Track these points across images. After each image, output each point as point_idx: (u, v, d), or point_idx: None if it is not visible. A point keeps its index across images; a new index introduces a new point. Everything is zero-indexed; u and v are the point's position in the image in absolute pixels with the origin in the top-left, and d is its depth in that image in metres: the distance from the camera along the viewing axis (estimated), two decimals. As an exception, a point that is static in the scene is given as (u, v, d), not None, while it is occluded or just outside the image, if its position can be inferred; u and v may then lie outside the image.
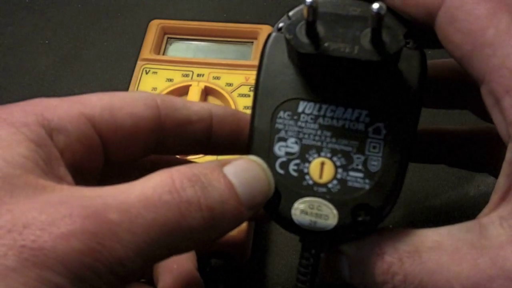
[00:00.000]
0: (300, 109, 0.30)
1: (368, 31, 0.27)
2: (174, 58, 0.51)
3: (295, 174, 0.29)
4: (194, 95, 0.47)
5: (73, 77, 0.55)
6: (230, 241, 0.41)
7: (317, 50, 0.28)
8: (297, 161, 0.29)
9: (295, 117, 0.30)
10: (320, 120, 0.30)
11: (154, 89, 0.49)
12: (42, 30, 0.60)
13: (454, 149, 0.39)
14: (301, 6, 0.30)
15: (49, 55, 0.58)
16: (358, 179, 0.29)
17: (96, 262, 0.23)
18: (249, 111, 0.42)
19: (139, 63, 0.51)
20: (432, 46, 0.30)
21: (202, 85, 0.48)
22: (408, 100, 0.29)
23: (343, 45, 0.27)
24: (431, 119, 0.48)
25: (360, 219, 0.29)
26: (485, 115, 0.35)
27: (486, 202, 0.44)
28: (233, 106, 0.47)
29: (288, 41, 0.28)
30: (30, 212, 0.23)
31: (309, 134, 0.29)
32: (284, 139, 0.30)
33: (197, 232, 0.25)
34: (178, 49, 0.53)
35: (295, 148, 0.29)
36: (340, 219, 0.28)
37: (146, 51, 0.51)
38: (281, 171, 0.29)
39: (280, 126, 0.30)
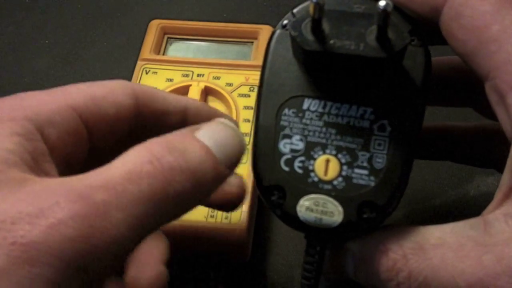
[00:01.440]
0: (305, 106, 0.30)
1: (373, 28, 0.28)
2: (174, 58, 0.51)
3: (300, 171, 0.29)
4: (194, 95, 0.47)
5: (73, 77, 0.55)
6: (230, 240, 0.41)
7: (323, 47, 0.28)
8: (302, 158, 0.29)
9: (300, 114, 0.30)
10: (325, 117, 0.30)
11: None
12: (42, 30, 0.60)
13: (459, 145, 0.40)
14: (306, 4, 0.31)
15: (49, 55, 0.58)
16: (363, 176, 0.29)
17: (92, 247, 0.22)
18: (249, 112, 0.46)
19: (139, 63, 0.50)
20: (436, 43, 0.31)
21: (202, 85, 0.48)
22: (412, 97, 0.29)
23: (349, 42, 0.28)
24: (434, 116, 0.48)
25: (365, 216, 0.29)
26: (488, 113, 0.36)
27: (486, 202, 0.44)
28: (233, 106, 0.47)
29: (293, 38, 0.29)
30: (16, 206, 0.22)
31: (314, 131, 0.30)
32: (289, 136, 0.30)
33: (184, 196, 0.25)
34: (178, 49, 0.53)
35: (300, 145, 0.30)
36: (345, 216, 0.29)
37: (146, 51, 0.51)
38: (286, 168, 0.29)
39: (285, 123, 0.30)
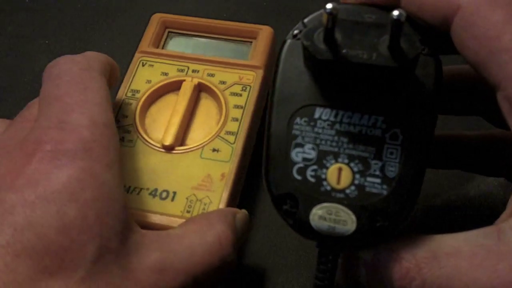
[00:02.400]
0: (316, 115, 0.30)
1: (385, 38, 0.28)
2: (172, 53, 0.52)
3: (312, 180, 0.30)
4: (186, 90, 0.48)
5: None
6: None
7: (336, 57, 0.28)
8: (315, 167, 0.30)
9: (312, 123, 0.30)
10: (337, 126, 0.30)
11: (149, 81, 0.49)
12: (42, 30, 0.60)
13: (469, 154, 0.40)
14: (318, 13, 0.31)
15: (49, 55, 0.58)
16: (376, 185, 0.29)
17: None
18: (238, 110, 0.47)
19: (137, 55, 0.51)
20: (447, 52, 0.31)
21: (195, 81, 0.49)
22: (424, 106, 0.30)
23: (361, 52, 0.28)
24: (443, 125, 0.48)
25: (378, 224, 0.29)
26: (498, 122, 0.38)
27: (486, 202, 0.46)
28: (223, 104, 0.47)
29: (305, 48, 0.29)
30: None
31: (326, 140, 0.30)
32: (301, 145, 0.30)
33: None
34: (177, 44, 0.53)
35: (312, 154, 0.30)
36: (358, 224, 0.29)
37: (145, 44, 0.52)
38: (299, 177, 0.30)
39: (297, 132, 0.30)
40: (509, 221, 0.27)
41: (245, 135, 0.46)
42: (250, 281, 0.45)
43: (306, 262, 0.45)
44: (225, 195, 0.43)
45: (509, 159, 0.38)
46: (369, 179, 0.29)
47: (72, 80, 0.36)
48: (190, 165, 0.44)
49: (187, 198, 0.43)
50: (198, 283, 0.33)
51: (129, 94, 0.49)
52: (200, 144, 0.46)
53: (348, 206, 0.29)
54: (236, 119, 0.47)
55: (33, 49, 0.59)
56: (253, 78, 0.49)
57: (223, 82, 0.49)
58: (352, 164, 0.29)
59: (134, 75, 0.50)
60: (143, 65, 0.51)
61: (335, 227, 0.29)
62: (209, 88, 0.49)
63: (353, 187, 0.29)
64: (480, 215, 0.49)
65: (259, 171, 0.49)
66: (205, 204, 0.42)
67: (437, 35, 0.30)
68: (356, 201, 0.29)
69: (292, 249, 0.46)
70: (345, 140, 0.30)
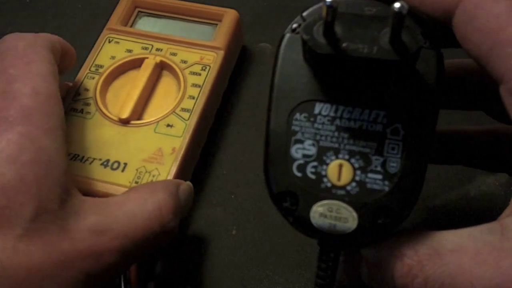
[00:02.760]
0: (316, 111, 0.30)
1: (386, 31, 0.27)
2: (138, 31, 0.53)
3: (312, 176, 0.29)
4: (147, 67, 0.49)
5: (73, 78, 0.55)
6: None
7: (336, 51, 0.27)
8: (315, 163, 0.29)
9: (312, 119, 0.29)
10: (337, 121, 0.29)
11: (113, 57, 0.51)
12: (42, 30, 0.60)
13: (471, 149, 0.39)
14: (316, 7, 0.30)
15: (48, 55, 0.59)
16: (377, 181, 0.29)
17: None
18: (196, 89, 0.48)
19: (104, 32, 0.53)
20: (449, 46, 0.31)
21: (158, 58, 0.50)
22: (426, 100, 0.29)
23: (362, 46, 0.27)
24: (445, 120, 0.47)
25: (379, 221, 0.28)
26: (500, 116, 0.37)
27: (487, 202, 0.47)
28: (182, 82, 0.49)
29: (305, 42, 0.28)
30: None
31: (326, 136, 0.29)
32: (301, 141, 0.29)
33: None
34: (146, 24, 0.55)
35: (312, 150, 0.29)
36: (359, 222, 0.28)
37: (113, 21, 0.53)
38: (299, 174, 0.29)
39: (296, 128, 0.30)
40: None
41: (200, 113, 0.47)
42: (250, 281, 0.44)
43: (307, 263, 0.45)
44: (174, 168, 0.44)
45: (511, 153, 0.37)
46: (370, 175, 0.29)
47: (17, 53, 0.37)
48: (143, 139, 0.46)
49: (137, 170, 0.44)
50: (138, 247, 0.34)
51: (93, 69, 0.50)
52: (155, 119, 0.47)
53: (349, 203, 0.28)
54: (193, 97, 0.48)
55: (34, 49, 0.60)
56: (214, 58, 0.50)
57: (184, 61, 0.50)
58: (352, 160, 0.29)
59: (99, 51, 0.51)
60: (109, 42, 0.52)
61: (336, 225, 0.28)
62: (170, 66, 0.50)
63: (354, 184, 0.28)
64: (481, 215, 0.47)
65: (216, 151, 0.51)
66: (153, 176, 0.44)
67: (439, 28, 0.29)
68: (357, 198, 0.28)
69: (293, 250, 0.45)
70: (345, 135, 0.29)
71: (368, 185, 0.28)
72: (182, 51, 0.51)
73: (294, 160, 0.29)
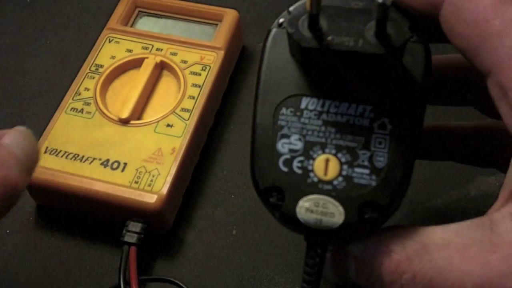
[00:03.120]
0: (303, 105, 0.29)
1: (372, 24, 0.27)
2: (139, 31, 0.53)
3: (299, 171, 0.29)
4: (147, 67, 0.50)
5: (73, 77, 0.55)
6: (148, 208, 0.43)
7: (321, 44, 0.27)
8: (301, 158, 0.29)
9: (298, 114, 0.29)
10: (324, 116, 0.29)
11: (113, 57, 0.51)
12: (42, 30, 0.61)
13: (460, 145, 0.39)
14: (303, 1, 0.30)
15: (49, 55, 0.59)
16: (364, 176, 0.28)
17: None
18: (196, 89, 0.48)
19: (104, 31, 0.53)
20: (437, 41, 0.30)
21: (158, 59, 0.50)
22: (413, 95, 0.29)
23: (347, 39, 0.27)
24: (434, 115, 0.48)
25: (366, 216, 0.28)
26: (489, 111, 0.36)
27: (487, 202, 0.43)
28: (182, 82, 0.49)
29: (290, 36, 0.28)
30: None
31: (312, 131, 0.29)
32: (287, 136, 0.29)
33: None
34: (146, 23, 0.55)
35: (299, 145, 0.29)
36: (346, 216, 0.28)
37: (114, 21, 0.54)
38: (285, 169, 0.29)
39: (282, 123, 0.29)
40: (502, 211, 0.27)
41: (200, 113, 0.47)
42: (250, 281, 0.44)
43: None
44: (173, 168, 0.44)
45: (501, 149, 0.36)
46: (357, 169, 0.28)
47: None
48: (143, 139, 0.46)
49: (136, 170, 0.44)
50: None
51: (93, 69, 0.50)
52: (155, 119, 0.47)
53: (336, 197, 0.28)
54: (193, 97, 0.48)
55: (33, 49, 0.60)
56: (214, 58, 0.51)
57: (185, 61, 0.50)
58: (339, 155, 0.28)
59: (99, 51, 0.52)
60: (109, 42, 0.52)
61: (322, 220, 0.28)
62: (170, 66, 0.50)
63: (340, 178, 0.28)
64: (481, 215, 0.46)
65: (216, 151, 0.51)
66: (153, 176, 0.44)
67: (426, 21, 0.29)
68: (344, 193, 0.28)
69: (293, 250, 0.45)
70: (332, 130, 0.29)
71: (355, 180, 0.28)
72: (182, 51, 0.51)
73: (280, 155, 0.29)
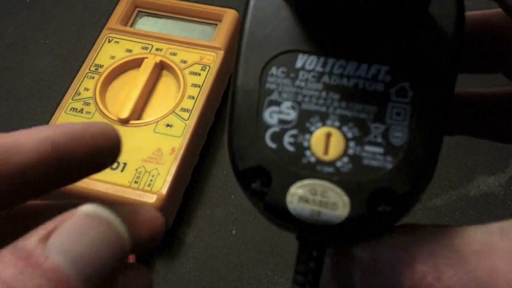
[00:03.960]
0: (298, 64, 0.23)
1: None
2: (138, 31, 0.53)
3: (291, 148, 0.22)
4: (147, 67, 0.50)
5: (73, 77, 0.56)
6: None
7: None
8: (294, 131, 0.22)
9: (292, 75, 0.23)
10: (326, 78, 0.23)
11: (113, 57, 0.51)
12: (42, 30, 0.61)
13: (484, 116, 0.32)
14: None
15: (49, 55, 0.59)
16: (377, 156, 0.22)
17: None
18: (195, 89, 0.48)
19: (104, 31, 0.53)
20: None
21: (157, 58, 0.50)
22: (442, 52, 0.23)
23: None
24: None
25: (379, 209, 0.21)
26: None
27: (487, 202, 0.46)
28: (182, 82, 0.49)
29: None
30: None
31: (310, 97, 0.23)
32: (277, 103, 0.23)
33: None
34: (146, 23, 0.55)
35: (292, 115, 0.23)
36: (352, 209, 0.21)
37: (113, 21, 0.54)
38: (273, 145, 0.22)
39: (272, 86, 0.23)
40: None
41: (199, 113, 0.47)
42: (250, 281, 0.44)
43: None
44: (173, 168, 0.44)
45: None
46: (367, 148, 0.22)
47: None
48: (143, 138, 0.46)
49: (136, 170, 0.44)
50: None
51: (93, 69, 0.50)
52: (155, 119, 0.47)
53: (339, 183, 0.21)
54: (192, 97, 0.48)
55: (33, 49, 0.60)
56: (213, 58, 0.51)
57: (184, 61, 0.51)
58: (345, 128, 0.22)
59: (99, 51, 0.52)
60: (109, 42, 0.53)
61: (321, 212, 0.21)
62: (170, 66, 0.51)
63: (346, 159, 0.22)
64: (481, 215, 0.47)
65: (216, 151, 0.50)
66: (153, 176, 0.44)
67: None
68: (350, 177, 0.22)
69: (293, 250, 0.44)
70: (336, 97, 0.22)
71: (365, 161, 0.22)
72: (182, 51, 0.51)
73: (268, 126, 0.22)
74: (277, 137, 0.22)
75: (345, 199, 0.21)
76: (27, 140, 0.24)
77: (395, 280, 0.21)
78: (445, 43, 0.23)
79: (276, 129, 0.22)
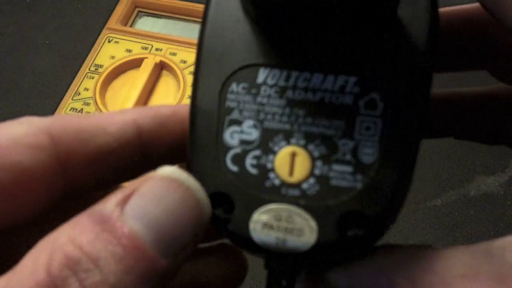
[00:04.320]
0: (260, 79, 0.21)
1: None
2: (138, 31, 0.54)
3: (254, 171, 0.21)
4: (147, 67, 0.50)
5: (73, 77, 0.56)
6: None
7: None
8: (257, 152, 0.21)
9: (254, 91, 0.21)
10: (289, 93, 0.21)
11: (112, 57, 0.52)
12: (42, 30, 0.61)
13: (465, 117, 0.30)
14: None
15: (49, 55, 0.60)
16: (346, 175, 0.20)
17: None
18: None
19: (104, 31, 0.54)
20: None
21: (158, 59, 0.51)
22: (415, 59, 0.21)
23: None
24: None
25: (350, 233, 0.20)
26: (506, 75, 0.29)
27: (487, 202, 0.45)
28: (182, 83, 0.49)
29: None
30: None
31: (273, 114, 0.21)
32: (239, 122, 0.21)
33: None
34: (146, 23, 0.56)
35: (254, 134, 0.21)
36: (321, 234, 0.20)
37: (113, 21, 0.54)
38: (234, 168, 0.21)
39: (232, 104, 0.21)
40: None
41: None
42: (250, 281, 0.45)
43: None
44: None
45: None
46: (335, 167, 0.20)
47: None
48: None
49: None
50: None
51: (92, 69, 0.51)
52: None
53: (306, 207, 0.20)
54: None
55: (33, 49, 0.60)
56: None
57: (184, 61, 0.51)
58: (310, 147, 0.20)
59: (99, 51, 0.52)
60: (109, 42, 0.53)
61: (286, 240, 0.20)
62: (170, 66, 0.51)
63: (312, 180, 0.20)
64: (481, 215, 0.47)
65: None
66: None
67: None
68: (317, 200, 0.20)
69: None
70: (300, 112, 0.21)
71: (333, 181, 0.20)
72: (182, 51, 0.51)
73: (229, 148, 0.21)
74: (239, 159, 0.21)
75: (312, 224, 0.20)
76: (109, 123, 0.23)
77: None
78: (416, 48, 0.21)
79: (238, 150, 0.21)
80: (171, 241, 0.19)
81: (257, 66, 0.21)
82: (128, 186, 0.19)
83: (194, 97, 0.21)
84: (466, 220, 0.46)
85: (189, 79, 0.49)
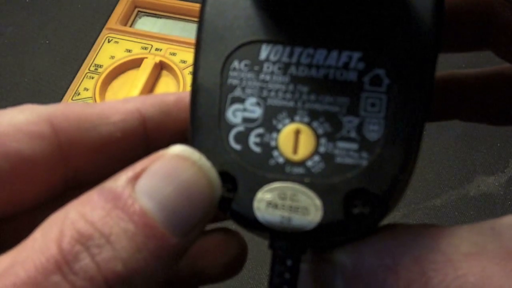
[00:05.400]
0: (263, 56, 0.21)
1: None
2: (138, 31, 0.54)
3: (257, 149, 0.20)
4: (146, 67, 0.50)
5: (73, 77, 0.56)
6: None
7: None
8: (260, 130, 0.20)
9: (256, 68, 0.21)
10: (292, 69, 0.21)
11: (112, 57, 0.51)
12: (42, 30, 0.61)
13: (472, 97, 0.30)
14: None
15: (49, 55, 0.60)
16: (351, 153, 0.20)
17: None
18: None
19: (104, 31, 0.54)
20: None
21: (157, 59, 0.51)
22: (420, 34, 0.21)
23: None
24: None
25: (355, 211, 0.20)
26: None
27: (487, 202, 0.45)
28: (181, 83, 0.49)
29: None
30: None
31: (276, 91, 0.21)
32: (241, 100, 0.21)
33: None
34: (145, 23, 0.56)
35: (257, 112, 0.21)
36: (326, 213, 0.19)
37: (113, 21, 0.54)
38: (237, 146, 0.20)
39: (234, 82, 0.21)
40: None
41: None
42: (250, 281, 0.45)
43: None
44: None
45: None
46: (340, 144, 0.20)
47: None
48: None
49: None
50: None
51: (92, 69, 0.51)
52: None
53: (311, 185, 0.20)
54: None
55: (33, 49, 0.60)
56: None
57: (184, 61, 0.51)
58: (315, 124, 0.20)
59: (99, 51, 0.52)
60: (108, 42, 0.53)
61: (292, 218, 0.19)
62: (170, 66, 0.51)
63: (317, 158, 0.20)
64: (481, 215, 0.47)
65: None
66: None
67: None
68: (322, 178, 0.20)
69: None
70: (304, 89, 0.20)
71: (338, 159, 0.20)
72: (182, 51, 0.51)
73: (232, 126, 0.21)
74: (242, 137, 0.20)
75: (318, 202, 0.19)
76: (113, 112, 0.23)
77: (380, 287, 0.19)
78: (423, 24, 0.21)
79: (241, 128, 0.21)
80: (182, 220, 0.18)
81: (259, 42, 0.21)
82: (139, 162, 0.19)
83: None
84: (466, 220, 0.46)
85: (189, 79, 0.49)
